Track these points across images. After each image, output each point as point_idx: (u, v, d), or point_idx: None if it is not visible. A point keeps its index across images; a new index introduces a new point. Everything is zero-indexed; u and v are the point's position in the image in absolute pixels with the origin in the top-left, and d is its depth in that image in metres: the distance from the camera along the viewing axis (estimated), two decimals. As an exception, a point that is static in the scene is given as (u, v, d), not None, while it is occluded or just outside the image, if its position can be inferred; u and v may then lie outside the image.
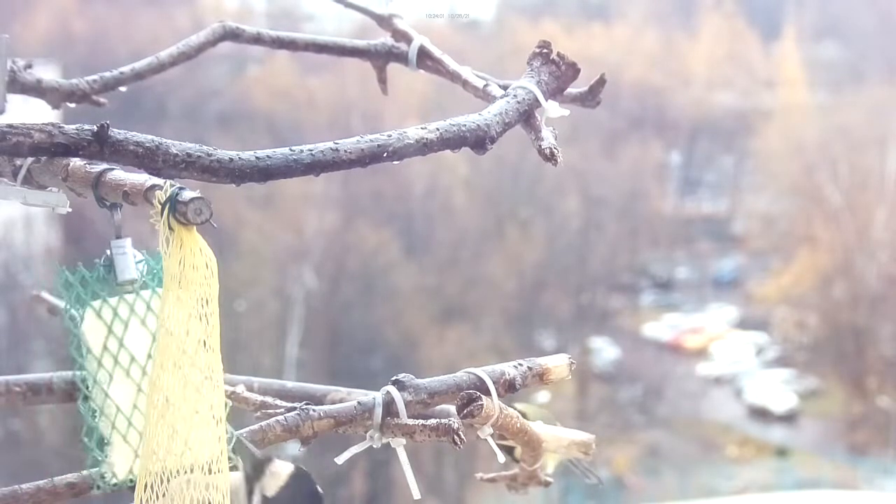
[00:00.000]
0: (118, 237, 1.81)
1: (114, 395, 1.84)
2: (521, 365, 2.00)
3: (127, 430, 1.85)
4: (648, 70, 41.43)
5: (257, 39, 2.51)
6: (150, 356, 1.85)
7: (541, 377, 2.01)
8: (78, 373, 1.86)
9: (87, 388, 1.85)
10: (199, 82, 34.65)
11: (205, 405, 1.62)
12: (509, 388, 1.97)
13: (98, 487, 1.85)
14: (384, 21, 2.47)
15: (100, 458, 1.84)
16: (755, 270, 41.09)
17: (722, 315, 39.28)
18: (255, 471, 1.90)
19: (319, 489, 1.96)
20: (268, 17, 39.97)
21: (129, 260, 1.82)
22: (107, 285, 1.83)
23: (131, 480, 1.85)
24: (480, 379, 1.95)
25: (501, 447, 2.07)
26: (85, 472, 1.85)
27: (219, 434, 1.63)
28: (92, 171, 1.71)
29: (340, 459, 1.92)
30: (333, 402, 2.10)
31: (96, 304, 1.84)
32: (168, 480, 1.62)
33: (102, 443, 1.84)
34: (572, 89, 2.14)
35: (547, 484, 2.42)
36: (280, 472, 1.95)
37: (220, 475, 1.64)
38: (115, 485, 1.85)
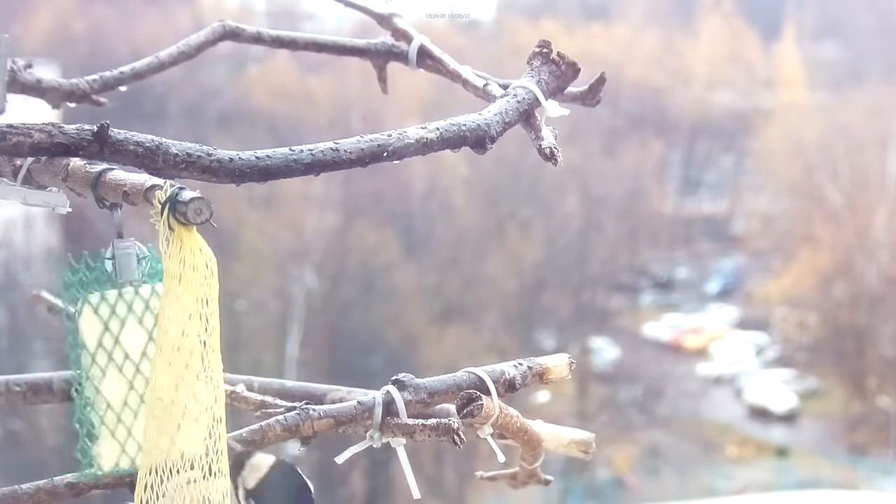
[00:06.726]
0: (120, 237, 1.81)
1: (105, 390, 1.85)
2: (521, 364, 2.00)
3: (115, 426, 1.85)
4: (648, 70, 41.42)
5: (257, 39, 2.51)
6: (144, 354, 1.86)
7: (541, 377, 2.01)
8: (74, 370, 1.87)
9: (80, 383, 1.86)
10: (199, 82, 34.63)
11: (204, 405, 1.62)
12: (509, 388, 1.97)
13: (85, 477, 1.86)
14: (384, 20, 2.47)
15: (87, 450, 1.85)
16: (755, 270, 41.10)
17: (722, 315, 39.28)
18: (236, 465, 1.91)
19: (307, 480, 1.97)
20: (268, 17, 39.96)
21: (131, 260, 1.82)
22: (107, 282, 1.84)
23: (116, 473, 1.86)
24: (480, 378, 1.95)
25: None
26: (78, 472, 1.86)
27: (219, 433, 1.64)
28: (92, 171, 1.71)
29: (340, 459, 1.92)
30: (333, 402, 2.10)
31: (94, 299, 1.84)
32: (168, 480, 1.62)
33: (91, 435, 1.85)
34: (572, 88, 2.14)
35: (547, 482, 2.42)
36: (260, 464, 1.97)
37: (219, 475, 1.64)
38: (99, 475, 1.86)
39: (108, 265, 1.83)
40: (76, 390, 1.86)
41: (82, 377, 1.85)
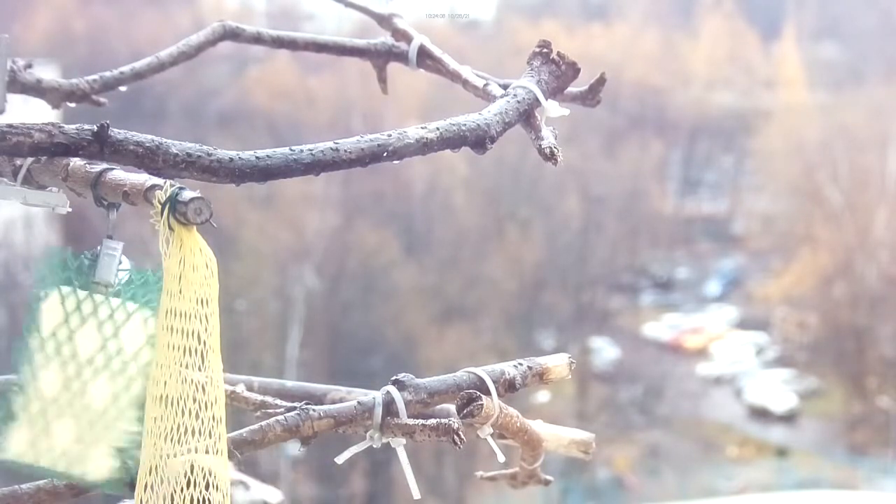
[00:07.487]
0: (111, 237, 1.80)
1: (41, 379, 1.83)
2: (521, 364, 2.00)
3: (36, 417, 1.83)
4: (648, 70, 41.43)
5: (257, 39, 2.51)
6: (90, 361, 1.83)
7: (541, 377, 2.01)
8: (20, 352, 1.85)
9: (21, 362, 1.84)
10: (199, 82, 34.64)
11: (204, 405, 1.62)
12: (509, 388, 1.97)
13: None
14: (384, 20, 2.47)
15: None
16: (755, 270, 41.10)
17: (722, 315, 39.28)
18: None
19: None
20: (268, 17, 39.98)
21: (113, 263, 1.81)
22: (84, 278, 1.82)
23: (15, 462, 1.83)
24: (480, 379, 1.95)
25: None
26: None
27: (219, 433, 1.63)
28: (92, 171, 1.71)
29: (340, 459, 1.92)
30: (333, 402, 2.10)
31: (65, 289, 1.83)
32: (168, 480, 1.62)
33: (8, 417, 1.83)
34: (572, 88, 2.14)
35: (547, 482, 2.42)
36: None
37: (220, 475, 1.64)
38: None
39: (88, 263, 1.82)
40: (16, 371, 1.84)
41: (25, 359, 1.83)
